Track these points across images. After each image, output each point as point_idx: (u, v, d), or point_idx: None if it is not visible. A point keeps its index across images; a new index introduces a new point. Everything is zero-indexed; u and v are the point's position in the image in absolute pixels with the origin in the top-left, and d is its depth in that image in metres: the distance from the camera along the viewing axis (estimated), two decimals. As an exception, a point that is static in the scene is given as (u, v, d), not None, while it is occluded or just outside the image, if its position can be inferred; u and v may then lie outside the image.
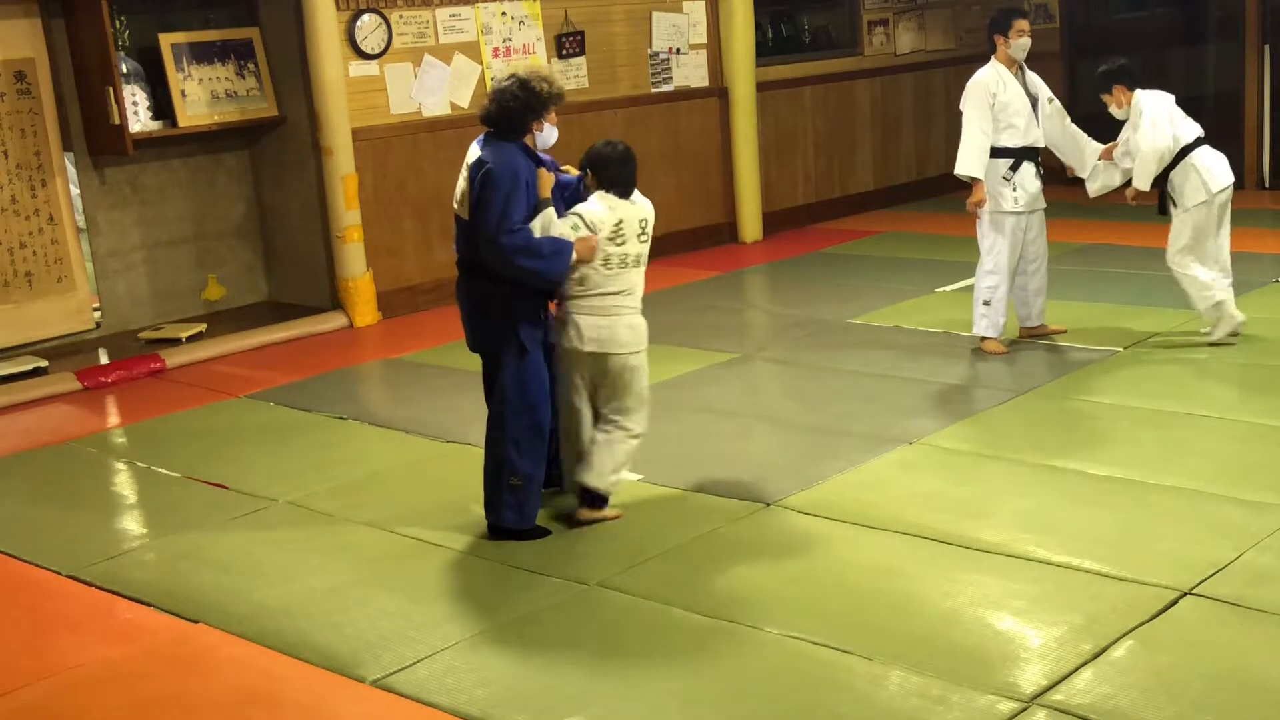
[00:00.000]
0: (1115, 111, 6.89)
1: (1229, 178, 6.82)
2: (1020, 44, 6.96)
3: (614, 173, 4.98)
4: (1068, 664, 3.86)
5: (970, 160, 6.96)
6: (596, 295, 4.96)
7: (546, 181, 4.96)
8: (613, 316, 4.98)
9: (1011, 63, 6.98)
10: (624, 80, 10.15)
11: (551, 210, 4.91)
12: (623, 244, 4.95)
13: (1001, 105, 6.92)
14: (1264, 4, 11.32)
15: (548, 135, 5.00)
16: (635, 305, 5.04)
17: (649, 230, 5.04)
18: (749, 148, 10.75)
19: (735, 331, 8.13)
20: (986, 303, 7.05)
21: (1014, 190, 6.95)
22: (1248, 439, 5.64)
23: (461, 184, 4.96)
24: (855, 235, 10.86)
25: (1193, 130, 6.82)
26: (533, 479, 5.04)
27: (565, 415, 5.12)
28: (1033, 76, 7.08)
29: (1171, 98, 6.85)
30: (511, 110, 4.88)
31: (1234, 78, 11.62)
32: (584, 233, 4.88)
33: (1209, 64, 12.10)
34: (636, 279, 5.03)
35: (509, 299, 4.93)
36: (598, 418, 5.11)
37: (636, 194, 5.05)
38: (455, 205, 5.02)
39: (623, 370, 5.02)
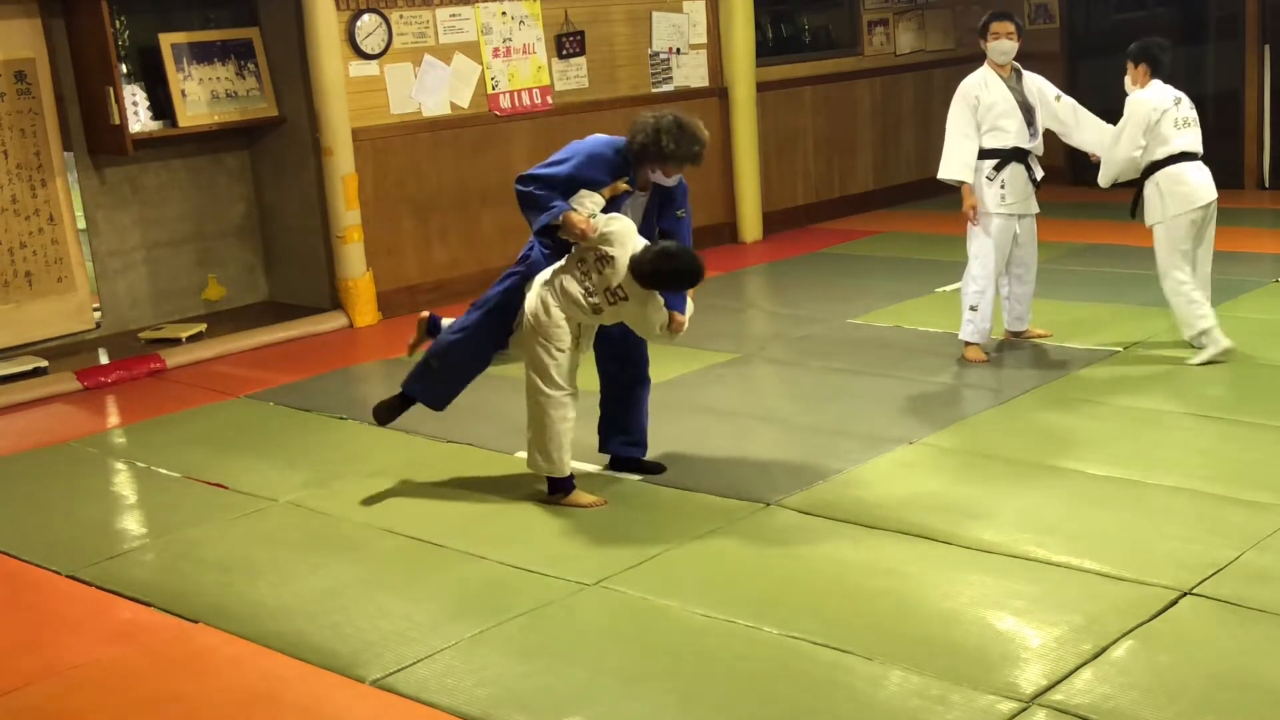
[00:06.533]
0: (1127, 83, 6.74)
1: (1194, 201, 6.57)
2: (997, 47, 6.87)
3: (651, 271, 5.00)
4: (1068, 664, 3.86)
5: (951, 164, 6.91)
6: (562, 300, 5.13)
7: (613, 189, 5.15)
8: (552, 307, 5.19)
9: (1000, 66, 6.92)
10: (624, 80, 10.15)
11: (598, 198, 5.08)
12: (590, 284, 5.05)
13: (985, 107, 6.84)
14: (1264, 4, 11.32)
15: (660, 179, 5.22)
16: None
17: (625, 311, 5.07)
18: (749, 148, 10.76)
19: (735, 331, 8.12)
20: (973, 308, 6.96)
21: (1001, 189, 6.89)
22: (1248, 439, 5.64)
23: None
24: (855, 235, 10.87)
25: (1177, 145, 6.59)
26: (449, 373, 5.52)
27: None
28: (1032, 79, 6.98)
29: (1168, 106, 6.61)
30: (633, 144, 5.14)
31: (1234, 78, 11.62)
32: (590, 213, 5.05)
33: (1209, 64, 12.09)
34: (578, 315, 5.15)
35: (540, 245, 5.33)
36: None
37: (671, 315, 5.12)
38: None
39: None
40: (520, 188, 5.14)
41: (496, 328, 5.40)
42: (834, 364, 7.16)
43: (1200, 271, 6.77)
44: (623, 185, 5.15)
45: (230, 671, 4.21)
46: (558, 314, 5.10)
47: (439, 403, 5.64)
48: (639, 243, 5.04)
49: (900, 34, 12.15)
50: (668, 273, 4.98)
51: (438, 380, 5.57)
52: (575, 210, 5.04)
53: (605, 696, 3.88)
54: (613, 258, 5.00)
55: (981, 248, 6.95)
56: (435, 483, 5.73)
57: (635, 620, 4.36)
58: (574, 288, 5.07)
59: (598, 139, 5.28)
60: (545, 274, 5.19)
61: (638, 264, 4.97)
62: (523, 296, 5.27)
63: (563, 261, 5.18)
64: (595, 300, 5.05)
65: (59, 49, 8.28)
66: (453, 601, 4.56)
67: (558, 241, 5.20)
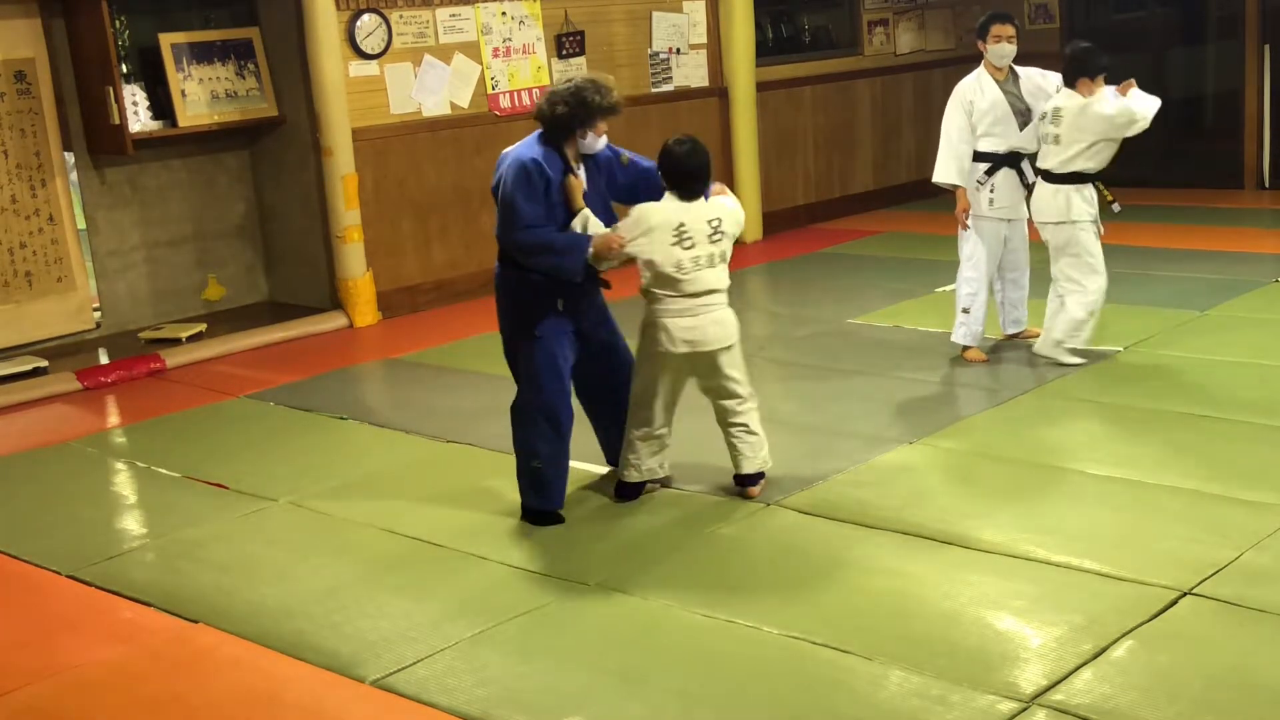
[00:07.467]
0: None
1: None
2: (997, 50, 6.82)
3: (675, 176, 5.03)
4: (1068, 664, 3.86)
5: (945, 167, 6.89)
6: (678, 298, 5.05)
7: (577, 189, 5.00)
8: (699, 316, 5.08)
9: (998, 69, 6.90)
10: (624, 80, 10.11)
11: (588, 212, 4.97)
12: (691, 247, 5.00)
13: (980, 112, 6.81)
14: (1264, 4, 11.31)
15: (590, 143, 5.05)
16: (719, 301, 5.14)
17: (726, 229, 5.07)
18: (749, 148, 10.76)
19: (735, 331, 8.12)
20: (966, 310, 6.95)
21: (990, 193, 6.86)
22: (1248, 439, 5.64)
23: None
24: (855, 235, 10.87)
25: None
26: (554, 462, 5.14)
27: (642, 409, 5.24)
28: (1029, 75, 6.91)
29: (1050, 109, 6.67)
30: (558, 115, 4.96)
31: (1234, 77, 11.61)
32: (604, 231, 4.97)
33: (1209, 64, 12.09)
34: (713, 278, 5.09)
35: (519, 285, 5.07)
36: (719, 413, 5.27)
37: (714, 195, 5.08)
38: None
39: (717, 364, 5.17)
40: (520, 239, 4.92)
41: (553, 381, 5.11)
42: (834, 364, 7.17)
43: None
44: (576, 180, 5.01)
45: (230, 671, 4.21)
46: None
47: (559, 499, 5.19)
48: (657, 207, 5.02)
49: (900, 34, 12.15)
50: (690, 155, 5.00)
51: (548, 475, 5.15)
52: (595, 234, 4.92)
53: (605, 696, 3.88)
54: (684, 224, 4.97)
55: (973, 251, 6.95)
56: (435, 483, 5.73)
57: (635, 620, 4.36)
58: (714, 277, 5.08)
59: (517, 146, 5.04)
60: (717, 327, 5.14)
61: (670, 169, 4.99)
62: (542, 350, 5.06)
63: (664, 301, 5.05)
64: (711, 251, 5.06)
65: (59, 49, 8.28)
66: (453, 601, 4.56)
67: (593, 272, 5.03)
